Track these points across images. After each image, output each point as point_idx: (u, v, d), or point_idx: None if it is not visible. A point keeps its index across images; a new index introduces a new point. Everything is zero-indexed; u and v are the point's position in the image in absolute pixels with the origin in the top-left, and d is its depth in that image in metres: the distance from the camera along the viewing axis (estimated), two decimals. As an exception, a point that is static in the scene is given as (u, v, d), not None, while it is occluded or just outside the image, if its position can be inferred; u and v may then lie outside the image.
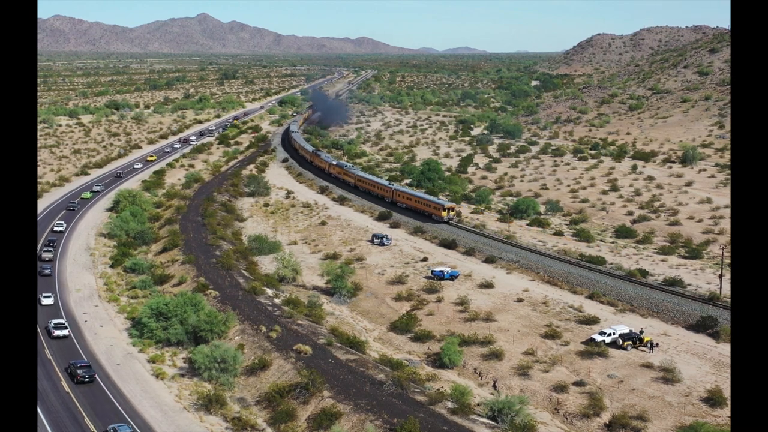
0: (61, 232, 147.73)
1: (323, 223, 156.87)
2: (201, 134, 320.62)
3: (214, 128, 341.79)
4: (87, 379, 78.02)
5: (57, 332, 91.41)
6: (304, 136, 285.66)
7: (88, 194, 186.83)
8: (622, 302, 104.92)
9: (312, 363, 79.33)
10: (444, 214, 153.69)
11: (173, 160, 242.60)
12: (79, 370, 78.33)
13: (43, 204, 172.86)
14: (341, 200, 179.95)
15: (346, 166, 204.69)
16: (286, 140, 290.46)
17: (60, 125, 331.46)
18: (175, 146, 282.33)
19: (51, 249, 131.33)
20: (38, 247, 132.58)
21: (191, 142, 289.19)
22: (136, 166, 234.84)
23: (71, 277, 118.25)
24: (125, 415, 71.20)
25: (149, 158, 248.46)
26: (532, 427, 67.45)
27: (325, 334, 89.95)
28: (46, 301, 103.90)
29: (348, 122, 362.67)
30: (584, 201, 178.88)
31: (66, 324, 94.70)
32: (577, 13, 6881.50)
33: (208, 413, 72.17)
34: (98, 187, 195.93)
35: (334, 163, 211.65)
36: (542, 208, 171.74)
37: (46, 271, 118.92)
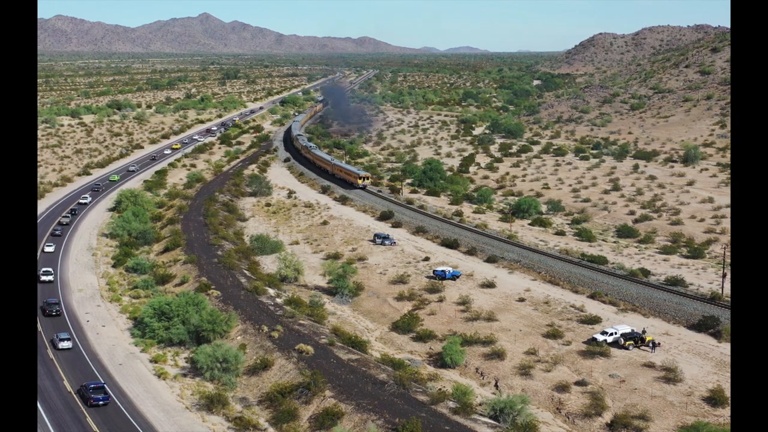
0: (85, 204, 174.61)
1: (325, 222, 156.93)
2: (223, 125, 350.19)
3: (237, 118, 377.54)
4: (54, 313, 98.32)
5: (44, 278, 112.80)
6: (306, 135, 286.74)
7: (116, 177, 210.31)
8: (623, 302, 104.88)
9: (314, 363, 79.43)
10: (360, 181, 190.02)
11: (175, 159, 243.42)
12: (48, 308, 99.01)
13: (47, 203, 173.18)
14: (343, 200, 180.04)
15: (311, 147, 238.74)
16: (288, 140, 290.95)
17: (62, 125, 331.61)
18: (194, 138, 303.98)
19: (69, 216, 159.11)
20: (59, 216, 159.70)
21: (213, 132, 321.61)
22: (165, 152, 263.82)
23: (73, 277, 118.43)
24: (127, 415, 71.45)
25: (174, 146, 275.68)
26: (533, 426, 67.43)
27: (326, 333, 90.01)
28: (48, 249, 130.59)
29: (369, 130, 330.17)
30: (586, 200, 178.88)
31: (52, 271, 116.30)
32: (578, 12, 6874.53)
33: (210, 413, 72.25)
34: (134, 168, 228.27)
35: (304, 144, 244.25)
36: (544, 208, 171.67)
37: (57, 233, 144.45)
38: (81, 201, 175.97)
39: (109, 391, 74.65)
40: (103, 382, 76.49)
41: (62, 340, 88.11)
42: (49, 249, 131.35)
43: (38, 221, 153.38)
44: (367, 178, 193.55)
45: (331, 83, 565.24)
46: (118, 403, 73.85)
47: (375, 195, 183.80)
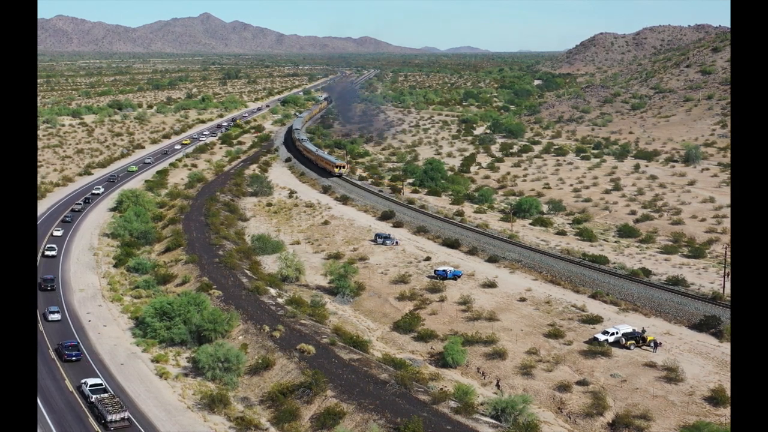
0: (98, 194, 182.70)
1: (326, 222, 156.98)
2: (233, 120, 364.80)
3: (247, 115, 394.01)
4: (49, 288, 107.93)
5: (48, 253, 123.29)
6: (307, 135, 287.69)
7: (134, 168, 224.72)
8: (625, 301, 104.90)
9: (315, 362, 79.48)
10: (336, 170, 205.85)
11: (176, 159, 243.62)
12: (44, 283, 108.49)
13: (48, 202, 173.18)
14: (344, 200, 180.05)
15: (302, 139, 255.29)
16: (290, 140, 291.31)
17: (63, 125, 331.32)
18: (204, 133, 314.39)
19: (81, 203, 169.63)
20: (73, 203, 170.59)
21: (224, 127, 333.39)
22: (176, 147, 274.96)
23: (75, 276, 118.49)
24: (130, 415, 71.48)
25: (184, 142, 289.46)
26: (535, 426, 67.48)
27: (328, 333, 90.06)
28: (57, 233, 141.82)
29: (371, 131, 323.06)
30: (587, 200, 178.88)
31: (55, 247, 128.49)
32: (579, 12, 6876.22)
33: (211, 413, 72.30)
34: (149, 160, 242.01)
35: (298, 138, 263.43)
36: (545, 208, 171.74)
37: (67, 219, 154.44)
38: (94, 192, 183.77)
39: (83, 348, 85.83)
40: (78, 341, 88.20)
41: (52, 312, 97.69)
42: (57, 233, 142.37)
43: (42, 219, 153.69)
44: (343, 167, 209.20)
45: (336, 82, 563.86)
46: (85, 353, 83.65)
47: (375, 194, 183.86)
